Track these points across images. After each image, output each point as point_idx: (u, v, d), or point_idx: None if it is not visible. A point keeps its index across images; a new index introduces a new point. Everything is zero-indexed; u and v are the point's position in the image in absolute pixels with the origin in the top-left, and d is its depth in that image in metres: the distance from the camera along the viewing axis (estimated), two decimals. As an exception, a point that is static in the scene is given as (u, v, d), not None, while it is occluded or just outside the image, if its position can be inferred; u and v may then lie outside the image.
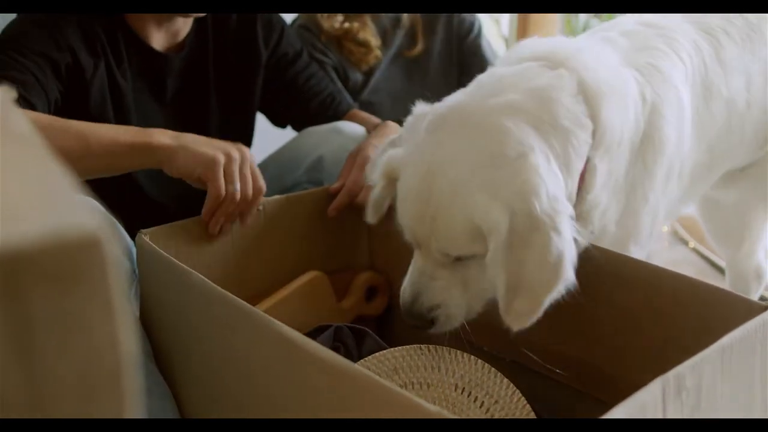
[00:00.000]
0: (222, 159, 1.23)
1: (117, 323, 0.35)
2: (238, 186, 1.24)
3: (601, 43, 1.14)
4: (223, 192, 1.23)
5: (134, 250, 1.25)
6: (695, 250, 2.33)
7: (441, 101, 1.04)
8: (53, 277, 0.34)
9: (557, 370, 1.08)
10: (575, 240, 0.93)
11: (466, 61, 2.10)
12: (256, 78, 1.65)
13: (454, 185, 0.92)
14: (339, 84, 1.84)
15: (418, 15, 2.00)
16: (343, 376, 0.82)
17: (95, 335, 0.35)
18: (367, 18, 1.93)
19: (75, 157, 1.16)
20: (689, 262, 2.27)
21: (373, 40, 1.93)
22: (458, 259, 0.97)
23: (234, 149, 1.26)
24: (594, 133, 1.01)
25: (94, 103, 1.44)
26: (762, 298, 1.79)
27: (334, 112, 1.71)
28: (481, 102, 0.96)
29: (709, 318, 1.00)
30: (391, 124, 1.52)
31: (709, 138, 1.24)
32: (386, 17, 1.98)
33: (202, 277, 1.05)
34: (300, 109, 1.72)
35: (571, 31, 3.07)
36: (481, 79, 1.06)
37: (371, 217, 1.09)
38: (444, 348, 1.12)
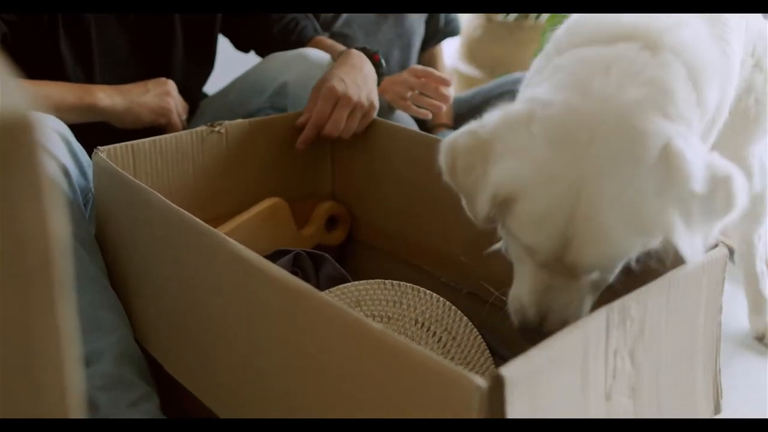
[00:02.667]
0: (172, 103, 1.47)
1: (46, 210, 0.35)
2: (184, 116, 1.54)
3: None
4: (180, 127, 1.48)
5: (90, 169, 1.23)
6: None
7: (541, 99, 0.93)
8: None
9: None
10: None
11: None
12: None
13: (611, 198, 0.86)
14: None
15: None
16: (295, 294, 0.83)
17: (24, 222, 0.35)
18: None
19: None
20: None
21: (346, -31, 1.89)
22: None
23: (166, 86, 1.47)
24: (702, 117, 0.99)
25: (45, 29, 1.41)
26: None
27: (297, 38, 1.69)
28: (602, 104, 0.89)
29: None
30: (355, 53, 1.50)
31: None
32: None
33: (159, 195, 1.04)
34: (262, 33, 1.70)
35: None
36: (583, 59, 0.97)
37: (482, 225, 0.97)
38: (407, 284, 1.13)
